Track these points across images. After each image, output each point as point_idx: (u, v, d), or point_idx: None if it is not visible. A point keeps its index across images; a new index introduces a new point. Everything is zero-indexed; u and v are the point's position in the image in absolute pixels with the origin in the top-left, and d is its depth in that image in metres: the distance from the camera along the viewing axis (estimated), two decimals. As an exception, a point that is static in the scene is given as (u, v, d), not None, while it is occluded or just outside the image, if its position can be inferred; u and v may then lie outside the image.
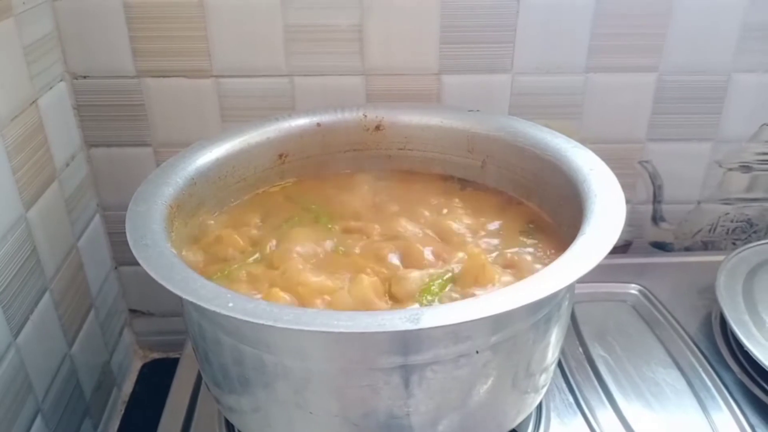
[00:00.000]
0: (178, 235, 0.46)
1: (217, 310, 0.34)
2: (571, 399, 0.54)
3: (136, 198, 0.45)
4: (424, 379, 0.38)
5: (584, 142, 0.52)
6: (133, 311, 0.77)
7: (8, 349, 0.51)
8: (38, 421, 0.55)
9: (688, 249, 0.76)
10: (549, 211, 0.52)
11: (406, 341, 0.36)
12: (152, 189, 0.46)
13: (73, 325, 0.62)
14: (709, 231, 0.76)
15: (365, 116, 0.58)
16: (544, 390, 0.47)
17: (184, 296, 0.35)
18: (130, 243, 0.40)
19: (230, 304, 0.35)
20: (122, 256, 0.73)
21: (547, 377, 0.46)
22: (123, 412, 0.72)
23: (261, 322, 0.34)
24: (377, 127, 0.58)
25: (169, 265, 0.38)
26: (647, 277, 0.68)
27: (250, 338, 0.38)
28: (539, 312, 0.40)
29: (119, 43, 0.63)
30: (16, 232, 0.53)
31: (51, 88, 0.60)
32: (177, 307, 0.76)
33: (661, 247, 0.76)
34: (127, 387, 0.75)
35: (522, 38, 0.65)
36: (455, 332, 0.37)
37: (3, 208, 0.51)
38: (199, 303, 0.35)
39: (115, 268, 0.74)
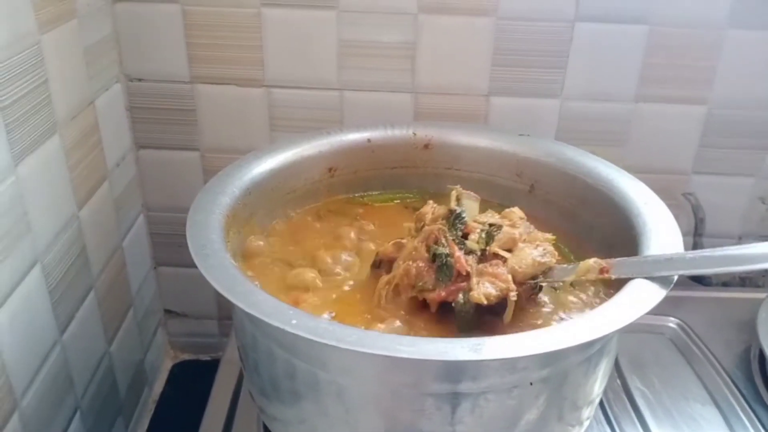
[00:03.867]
0: (232, 245, 0.46)
1: (280, 326, 0.35)
2: (608, 431, 0.54)
3: (195, 207, 0.45)
4: (477, 407, 0.38)
5: (628, 170, 0.52)
6: (167, 311, 0.77)
7: (54, 346, 0.52)
8: (77, 418, 0.55)
9: (726, 284, 0.76)
10: (597, 240, 0.52)
11: (464, 369, 0.37)
12: (210, 198, 0.46)
13: (113, 323, 0.63)
14: (749, 267, 0.75)
15: (414, 134, 0.58)
16: (587, 423, 0.46)
17: (247, 310, 0.36)
18: (192, 252, 0.40)
19: (294, 321, 0.35)
20: (161, 257, 0.74)
21: (591, 410, 0.45)
22: (153, 411, 0.73)
23: (324, 341, 0.34)
24: (426, 146, 0.59)
25: (231, 276, 0.39)
26: (685, 311, 0.67)
27: (306, 354, 0.39)
28: (593, 347, 0.40)
29: (175, 49, 0.64)
30: (69, 230, 0.53)
31: (107, 89, 0.61)
32: (210, 310, 0.77)
33: (699, 281, 0.75)
34: (158, 386, 0.75)
35: (573, 64, 0.65)
36: (513, 363, 0.37)
37: (59, 207, 0.52)
38: (261, 318, 0.35)
39: (155, 268, 0.74)
